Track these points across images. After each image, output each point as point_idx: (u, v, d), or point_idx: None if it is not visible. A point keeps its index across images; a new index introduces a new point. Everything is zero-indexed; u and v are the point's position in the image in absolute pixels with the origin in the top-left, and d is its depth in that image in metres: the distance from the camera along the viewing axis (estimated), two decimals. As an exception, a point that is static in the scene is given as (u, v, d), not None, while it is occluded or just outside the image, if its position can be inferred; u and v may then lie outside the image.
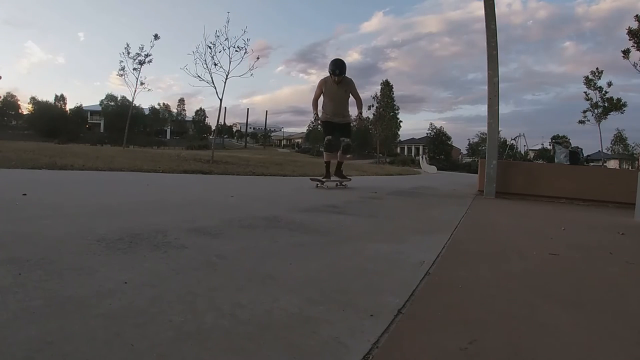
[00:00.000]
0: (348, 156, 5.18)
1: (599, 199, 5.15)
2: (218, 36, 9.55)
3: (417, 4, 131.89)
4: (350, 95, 4.92)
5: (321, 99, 4.90)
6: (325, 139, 4.86)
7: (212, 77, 9.66)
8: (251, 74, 9.82)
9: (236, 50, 9.40)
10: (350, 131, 5.12)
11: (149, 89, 27.84)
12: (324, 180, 4.82)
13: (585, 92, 28.30)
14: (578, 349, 0.88)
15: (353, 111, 5.13)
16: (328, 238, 1.86)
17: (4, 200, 2.21)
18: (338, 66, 4.66)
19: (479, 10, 5.16)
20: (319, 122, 4.99)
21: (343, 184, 5.15)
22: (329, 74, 4.74)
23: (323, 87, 4.81)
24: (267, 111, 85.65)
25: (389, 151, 47.93)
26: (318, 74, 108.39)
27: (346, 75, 4.77)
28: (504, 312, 1.07)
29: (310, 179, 5.07)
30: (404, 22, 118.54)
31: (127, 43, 26.36)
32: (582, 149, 6.82)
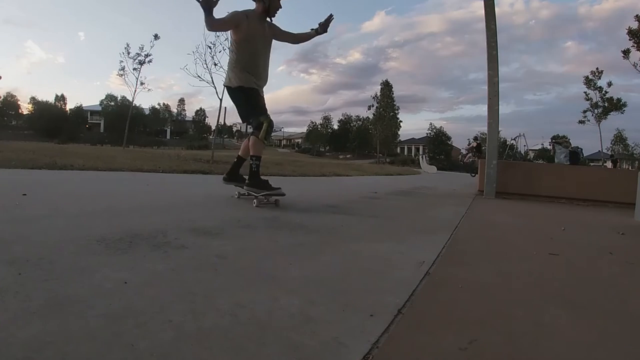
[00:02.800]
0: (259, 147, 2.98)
1: (599, 199, 5.15)
2: (218, 36, 9.54)
3: (419, 3, 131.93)
4: (282, 40, 3.09)
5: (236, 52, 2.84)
6: (266, 119, 2.81)
7: (212, 77, 9.67)
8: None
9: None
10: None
11: (149, 89, 27.89)
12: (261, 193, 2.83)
13: (585, 92, 28.33)
14: (578, 349, 0.88)
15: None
16: (328, 238, 1.86)
17: (4, 200, 2.21)
18: None
19: (481, 9, 5.15)
20: (236, 86, 2.81)
21: (262, 196, 2.84)
22: (256, 10, 2.83)
23: (243, 26, 2.74)
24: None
25: (389, 151, 47.95)
26: (319, 74, 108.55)
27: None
28: (504, 312, 1.07)
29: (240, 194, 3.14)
30: (406, 22, 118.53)
31: (127, 43, 26.39)
32: (582, 149, 6.83)
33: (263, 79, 2.98)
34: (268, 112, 2.92)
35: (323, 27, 3.07)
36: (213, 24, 2.70)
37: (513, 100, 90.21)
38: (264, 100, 3.00)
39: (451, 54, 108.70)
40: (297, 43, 3.27)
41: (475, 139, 19.79)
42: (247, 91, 2.84)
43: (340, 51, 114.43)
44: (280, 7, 2.92)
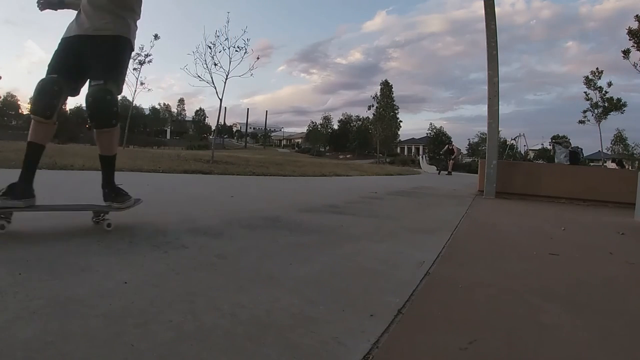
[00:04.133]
0: (110, 136, 1.80)
1: (599, 199, 5.15)
2: (218, 36, 9.54)
3: (420, 3, 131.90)
4: None
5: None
6: (45, 80, 1.64)
7: (212, 77, 9.67)
8: (251, 74, 9.82)
9: (236, 50, 9.39)
10: (113, 60, 1.74)
11: (149, 89, 27.83)
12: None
13: (585, 92, 28.33)
14: (578, 348, 0.88)
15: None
16: (328, 238, 1.86)
17: (4, 200, 2.21)
18: None
19: (481, 9, 5.15)
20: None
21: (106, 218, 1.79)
22: None
23: None
24: (267, 111, 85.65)
25: (389, 151, 47.95)
26: (319, 74, 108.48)
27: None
28: (504, 312, 1.07)
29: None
30: (407, 22, 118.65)
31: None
32: (582, 149, 6.82)
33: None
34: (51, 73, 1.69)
35: None
36: None
37: (514, 100, 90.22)
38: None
39: (452, 54, 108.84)
40: None
41: (449, 142, 20.31)
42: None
43: (341, 51, 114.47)
44: None
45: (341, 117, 59.72)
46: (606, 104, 27.60)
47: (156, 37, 20.26)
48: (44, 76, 1.66)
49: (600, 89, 27.81)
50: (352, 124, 57.65)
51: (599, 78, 28.00)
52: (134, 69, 19.84)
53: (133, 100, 21.73)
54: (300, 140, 66.57)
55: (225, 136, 59.92)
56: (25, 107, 51.38)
